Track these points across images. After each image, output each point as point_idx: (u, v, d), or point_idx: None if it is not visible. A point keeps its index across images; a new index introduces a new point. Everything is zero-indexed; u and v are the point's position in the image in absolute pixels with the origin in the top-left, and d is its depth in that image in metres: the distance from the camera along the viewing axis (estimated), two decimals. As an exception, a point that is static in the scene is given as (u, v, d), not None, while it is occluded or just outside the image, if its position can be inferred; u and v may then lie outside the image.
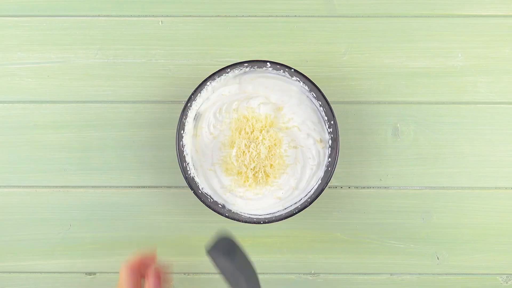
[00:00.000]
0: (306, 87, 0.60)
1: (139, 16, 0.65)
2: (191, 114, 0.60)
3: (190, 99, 0.59)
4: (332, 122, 0.59)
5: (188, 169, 0.60)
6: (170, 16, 0.65)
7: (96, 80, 0.65)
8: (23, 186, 0.65)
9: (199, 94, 0.59)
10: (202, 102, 0.61)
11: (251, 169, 0.61)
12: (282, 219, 0.58)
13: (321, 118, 0.61)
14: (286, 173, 0.61)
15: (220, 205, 0.60)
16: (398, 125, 0.65)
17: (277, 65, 0.59)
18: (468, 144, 0.65)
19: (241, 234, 0.65)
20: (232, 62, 0.59)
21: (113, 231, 0.65)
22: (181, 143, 0.59)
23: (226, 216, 0.59)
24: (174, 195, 0.65)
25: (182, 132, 0.59)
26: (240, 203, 0.61)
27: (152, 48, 0.65)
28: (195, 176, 0.61)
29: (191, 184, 0.59)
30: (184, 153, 0.60)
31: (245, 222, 0.59)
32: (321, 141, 0.61)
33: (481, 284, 0.65)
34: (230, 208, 0.60)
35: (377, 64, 0.65)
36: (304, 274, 0.65)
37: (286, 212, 0.59)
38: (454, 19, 0.65)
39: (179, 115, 0.59)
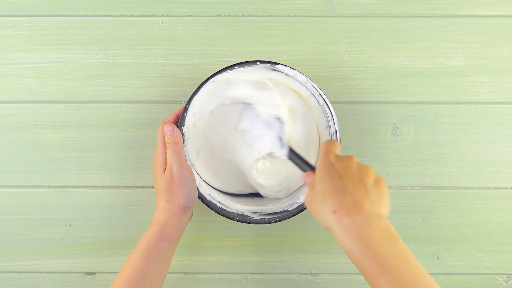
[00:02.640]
0: (306, 87, 0.60)
1: (139, 16, 0.65)
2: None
3: (190, 99, 0.59)
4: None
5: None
6: (170, 16, 0.65)
7: (96, 80, 0.65)
8: (23, 186, 0.65)
9: (199, 94, 0.59)
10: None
11: None
12: (282, 219, 0.58)
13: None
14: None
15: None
16: (398, 125, 0.65)
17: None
18: (468, 144, 0.65)
19: (241, 234, 0.65)
20: (232, 62, 0.59)
21: (113, 231, 0.65)
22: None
23: (226, 216, 0.59)
24: (174, 195, 0.65)
25: (182, 132, 0.59)
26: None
27: (152, 48, 0.65)
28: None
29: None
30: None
31: (245, 222, 0.58)
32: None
33: (481, 284, 0.65)
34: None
35: (377, 64, 0.65)
36: (304, 274, 0.65)
37: (286, 212, 0.59)
38: (454, 19, 0.65)
39: (179, 115, 0.59)
